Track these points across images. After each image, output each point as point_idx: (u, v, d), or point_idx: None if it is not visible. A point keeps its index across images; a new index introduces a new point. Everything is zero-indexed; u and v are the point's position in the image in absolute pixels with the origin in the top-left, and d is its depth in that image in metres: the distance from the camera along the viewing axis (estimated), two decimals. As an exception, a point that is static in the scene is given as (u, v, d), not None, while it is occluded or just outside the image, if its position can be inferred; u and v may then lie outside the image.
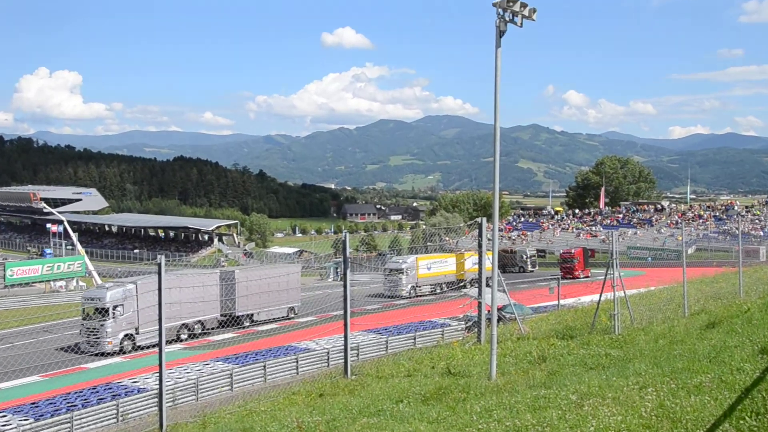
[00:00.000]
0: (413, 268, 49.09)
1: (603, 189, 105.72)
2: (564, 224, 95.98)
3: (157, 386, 12.68)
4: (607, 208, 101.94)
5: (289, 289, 36.68)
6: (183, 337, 30.81)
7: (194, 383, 18.00)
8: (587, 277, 57.05)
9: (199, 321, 31.94)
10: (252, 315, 34.96)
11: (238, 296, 32.85)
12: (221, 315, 32.98)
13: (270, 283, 34.72)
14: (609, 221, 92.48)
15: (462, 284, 47.82)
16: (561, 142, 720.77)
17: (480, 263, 16.31)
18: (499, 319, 21.91)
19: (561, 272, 55.44)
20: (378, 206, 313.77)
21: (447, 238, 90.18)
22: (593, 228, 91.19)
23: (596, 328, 14.86)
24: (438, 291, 49.13)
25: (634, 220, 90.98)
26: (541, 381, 10.17)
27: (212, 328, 32.22)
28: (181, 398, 17.30)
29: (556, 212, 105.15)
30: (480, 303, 16.56)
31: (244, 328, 32.79)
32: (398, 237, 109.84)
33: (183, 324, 30.99)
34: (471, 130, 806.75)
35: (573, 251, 61.31)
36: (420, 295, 47.96)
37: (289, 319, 36.23)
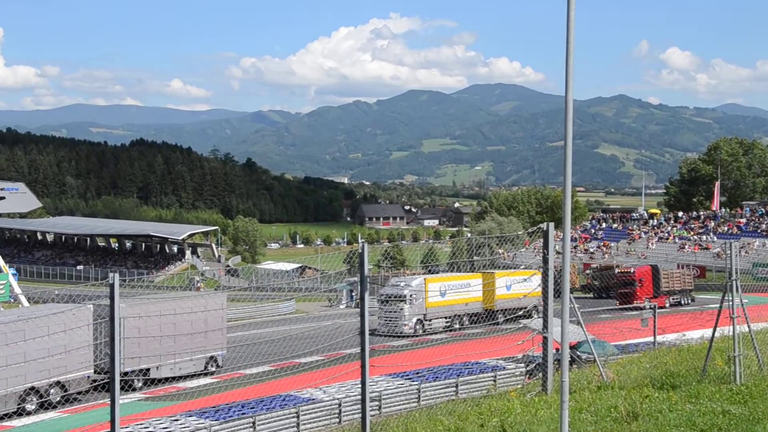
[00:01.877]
0: (420, 294, 47.48)
1: (718, 184, 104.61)
2: (662, 232, 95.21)
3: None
4: (723, 210, 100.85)
5: (208, 330, 34.04)
6: (29, 407, 27.75)
7: (159, 446, 18.12)
8: (662, 307, 55.72)
9: (58, 382, 28.71)
10: (147, 371, 31.87)
11: (123, 343, 30.59)
12: (97, 371, 29.93)
13: (177, 322, 31.52)
14: (726, 228, 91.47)
15: (494, 313, 47.50)
16: (658, 119, 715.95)
17: (546, 284, 16.20)
18: (573, 361, 21.74)
19: (617, 299, 54.92)
20: (407, 207, 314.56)
21: (501, 251, 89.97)
22: (703, 237, 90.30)
23: (709, 375, 14.67)
24: (457, 326, 47.49)
25: (763, 226, 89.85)
26: (632, 446, 10.05)
27: (81, 392, 29.41)
28: (142, 465, 17.44)
29: (652, 216, 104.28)
30: (546, 339, 16.45)
31: (134, 390, 29.99)
32: (434, 249, 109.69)
33: (31, 388, 27.87)
34: (533, 104, 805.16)
35: (634, 270, 60.05)
36: (429, 333, 46.48)
37: (209, 374, 34.31)
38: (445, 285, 48.77)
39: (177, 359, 32.59)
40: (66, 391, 28.97)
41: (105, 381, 27.89)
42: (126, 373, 29.57)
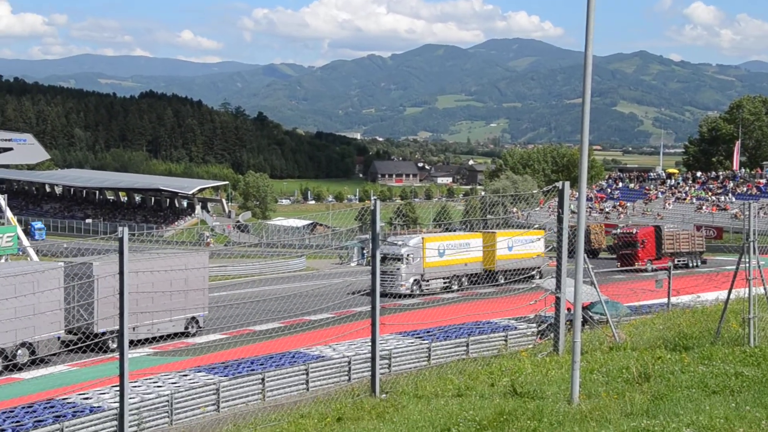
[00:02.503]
0: (418, 254, 46.42)
1: (738, 143, 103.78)
2: (680, 192, 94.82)
3: (117, 405, 12.86)
4: (742, 170, 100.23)
5: (188, 290, 33.41)
6: None
7: (167, 401, 18.33)
8: (663, 269, 54.81)
9: (24, 343, 28.15)
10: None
11: (98, 303, 28.41)
12: (68, 331, 29.76)
13: (156, 282, 30.15)
14: (745, 189, 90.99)
15: (494, 274, 47.22)
16: (680, 76, 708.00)
17: (560, 244, 16.18)
18: (585, 321, 21.81)
19: (618, 260, 54.68)
20: (420, 164, 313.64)
21: (515, 210, 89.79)
22: (722, 198, 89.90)
23: (723, 338, 14.71)
24: (455, 287, 46.94)
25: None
26: (643, 408, 10.11)
27: (51, 355, 28.93)
28: (150, 421, 17.65)
29: (669, 175, 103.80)
30: (558, 299, 16.49)
31: (107, 352, 28.66)
32: (447, 207, 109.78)
33: None
34: (551, 60, 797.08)
35: (636, 231, 59.60)
36: (426, 294, 46.00)
37: (190, 335, 33.94)
38: (444, 245, 48.08)
39: (155, 319, 31.33)
40: (34, 353, 28.36)
41: (80, 342, 27.87)
42: (100, 334, 28.98)
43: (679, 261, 58.25)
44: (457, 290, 46.52)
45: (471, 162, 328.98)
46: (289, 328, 32.15)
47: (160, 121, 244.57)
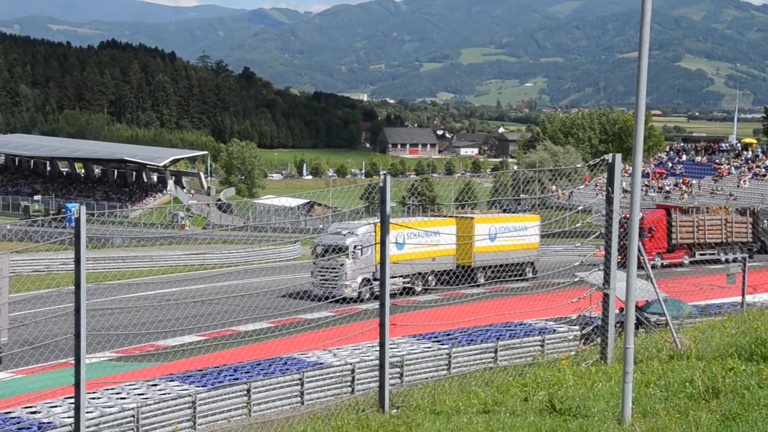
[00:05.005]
0: (368, 245, 43.79)
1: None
2: (758, 167, 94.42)
3: (71, 421, 12.87)
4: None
5: None
6: None
7: (132, 416, 18.37)
8: (677, 264, 53.14)
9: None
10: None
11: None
12: None
13: None
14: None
15: (472, 271, 45.86)
16: (761, 24, 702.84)
17: (609, 230, 16.13)
18: (640, 324, 21.76)
19: (618, 253, 53.26)
20: (440, 132, 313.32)
21: (554, 188, 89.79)
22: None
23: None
24: (418, 288, 45.02)
25: None
26: (711, 430, 10.08)
27: None
28: (113, 439, 17.74)
29: (746, 146, 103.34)
30: (607, 296, 16.45)
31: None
32: (472, 184, 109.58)
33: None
34: (600, 5, 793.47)
35: (642, 216, 57.87)
36: (377, 295, 45.28)
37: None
38: (404, 234, 43.60)
39: None
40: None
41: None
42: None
43: (702, 254, 56.13)
44: (421, 291, 44.79)
45: (501, 130, 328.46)
46: (280, 329, 32.22)
47: (125, 78, 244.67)
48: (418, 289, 45.13)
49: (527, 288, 39.82)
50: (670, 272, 45.01)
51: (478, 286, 42.74)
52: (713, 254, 57.26)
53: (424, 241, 44.92)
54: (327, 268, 44.06)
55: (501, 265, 43.43)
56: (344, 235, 44.58)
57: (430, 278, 46.03)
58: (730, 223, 59.31)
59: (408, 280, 45.09)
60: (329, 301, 40.00)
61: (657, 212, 58.47)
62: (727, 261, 56.12)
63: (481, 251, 46.39)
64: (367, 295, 42.93)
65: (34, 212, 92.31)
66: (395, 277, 44.11)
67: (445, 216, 49.92)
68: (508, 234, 46.64)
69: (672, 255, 53.54)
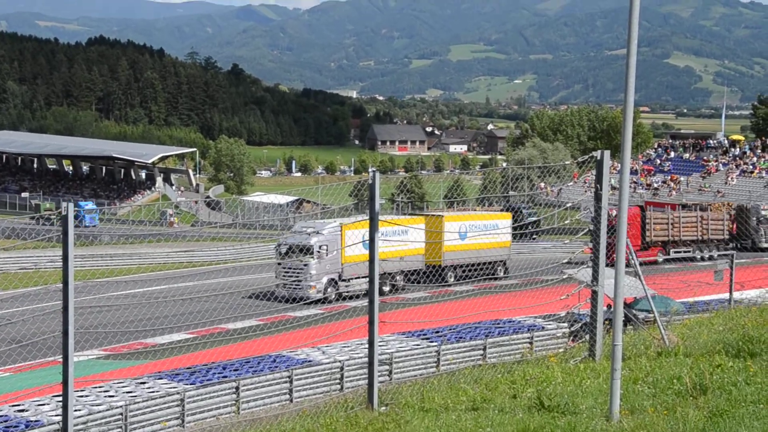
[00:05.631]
0: (334, 245, 43.24)
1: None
2: (746, 164, 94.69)
3: (59, 419, 12.85)
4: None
5: None
6: None
7: (121, 414, 18.33)
8: (651, 262, 51.86)
9: None
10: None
11: None
12: None
13: None
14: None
15: (441, 270, 45.42)
16: (748, 21, 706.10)
17: (597, 227, 16.15)
18: (628, 321, 21.79)
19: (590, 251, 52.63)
20: (429, 129, 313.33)
21: (543, 185, 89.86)
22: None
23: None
24: (386, 289, 43.94)
25: None
26: (698, 426, 10.11)
27: None
28: (101, 438, 17.71)
29: (734, 143, 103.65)
30: (595, 293, 16.48)
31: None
32: (461, 180, 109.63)
33: None
34: (588, 2, 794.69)
35: (614, 213, 57.37)
36: (344, 296, 42.94)
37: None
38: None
39: None
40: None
41: None
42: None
43: (677, 251, 55.83)
44: (390, 293, 43.86)
45: (490, 126, 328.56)
46: (269, 327, 32.20)
47: (113, 74, 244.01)
48: (386, 289, 44.02)
49: (516, 285, 39.95)
50: (658, 269, 45.12)
51: (461, 284, 42.26)
52: (688, 252, 56.84)
53: (393, 239, 43.30)
54: (291, 269, 43.17)
55: (471, 265, 43.32)
56: (309, 234, 43.72)
57: (398, 278, 45.14)
58: (706, 221, 58.61)
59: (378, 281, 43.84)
60: (294, 303, 39.11)
61: (630, 209, 57.97)
62: (702, 259, 56.23)
63: (451, 250, 45.88)
64: (333, 296, 42.49)
65: (45, 210, 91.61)
66: (362, 277, 42.45)
67: (414, 214, 49.62)
68: (479, 232, 46.45)
69: (646, 253, 52.10)
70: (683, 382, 12.29)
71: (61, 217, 11.32)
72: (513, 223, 50.36)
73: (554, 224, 47.17)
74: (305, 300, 39.85)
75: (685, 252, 56.34)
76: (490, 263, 45.79)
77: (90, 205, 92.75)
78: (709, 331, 18.44)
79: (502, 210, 61.72)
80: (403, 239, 43.18)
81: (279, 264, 43.81)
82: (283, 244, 44.64)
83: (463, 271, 44.33)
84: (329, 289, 42.80)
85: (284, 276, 43.32)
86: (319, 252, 42.62)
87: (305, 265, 42.37)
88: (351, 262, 43.11)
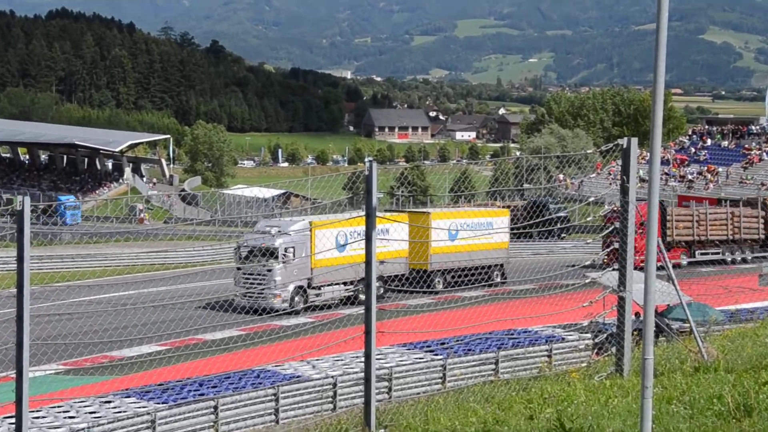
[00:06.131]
0: (302, 247, 42.69)
1: None
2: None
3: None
4: None
5: None
6: None
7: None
8: (675, 266, 51.41)
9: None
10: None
11: None
12: None
13: None
14: None
15: (428, 276, 45.19)
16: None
17: (624, 225, 16.07)
18: (661, 332, 21.73)
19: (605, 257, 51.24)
20: (433, 114, 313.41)
21: (561, 177, 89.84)
22: None
23: None
24: (364, 297, 44.18)
25: None
26: (741, 452, 10.02)
27: None
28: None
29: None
30: (623, 300, 16.40)
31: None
32: (469, 171, 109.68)
33: None
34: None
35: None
36: (311, 307, 42.23)
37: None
38: (346, 232, 42.28)
39: None
40: None
41: None
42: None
43: (704, 253, 55.34)
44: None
45: (502, 111, 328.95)
46: (251, 337, 32.14)
47: (76, 51, 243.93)
48: (363, 297, 43.21)
49: (532, 291, 39.91)
50: (694, 273, 45.06)
51: (467, 289, 41.72)
52: (717, 253, 55.99)
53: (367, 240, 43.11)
54: (252, 275, 42.36)
55: (463, 269, 43.16)
56: (273, 234, 42.43)
57: (379, 284, 42.70)
58: (738, 218, 57.51)
59: (350, 287, 43.11)
60: (256, 314, 38.71)
61: (640, 206, 57.35)
62: (733, 262, 55.80)
63: (440, 252, 44.49)
64: (301, 306, 41.75)
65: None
66: (336, 284, 43.27)
67: (396, 210, 48.83)
68: (473, 231, 45.91)
69: (671, 253, 50.48)
70: (724, 401, 12.20)
71: (17, 213, 11.20)
72: (537, 219, 49.60)
73: (575, 221, 46.79)
74: (269, 311, 39.26)
75: (713, 254, 55.70)
76: (484, 267, 45.54)
77: (71, 200, 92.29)
78: (754, 343, 18.38)
79: (527, 205, 61.57)
80: (383, 239, 43.20)
81: (239, 269, 42.73)
82: (243, 246, 43.81)
83: (453, 277, 44.06)
84: (297, 299, 42.11)
85: (245, 283, 42.50)
86: (285, 255, 41.88)
87: (269, 270, 41.69)
88: (322, 267, 42.62)
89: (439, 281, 44.77)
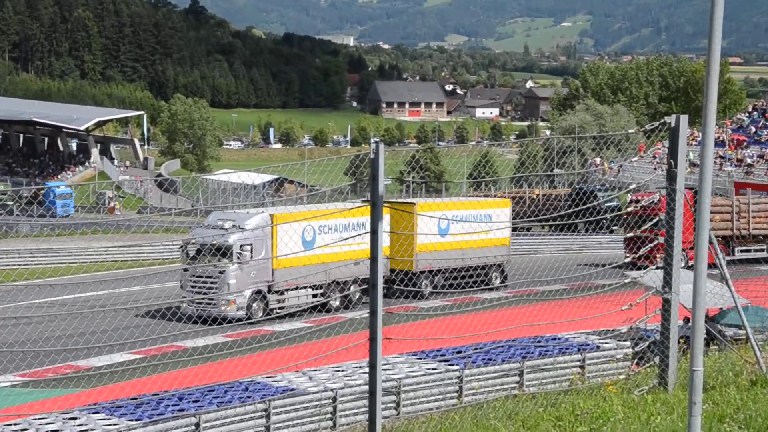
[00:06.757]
0: (261, 244, 42.13)
1: None
2: None
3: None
4: None
5: None
6: None
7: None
8: (710, 265, 50.50)
9: None
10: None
11: None
12: None
13: None
14: None
15: (414, 277, 44.71)
16: None
17: (671, 217, 16.16)
18: (711, 339, 21.81)
19: (625, 248, 50.47)
20: (449, 87, 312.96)
21: (598, 160, 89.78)
22: None
23: None
24: (336, 303, 42.99)
25: None
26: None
27: None
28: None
29: None
30: (668, 303, 16.48)
31: None
32: (490, 155, 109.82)
33: None
34: None
35: (658, 199, 55.07)
36: (277, 315, 41.13)
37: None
38: (314, 227, 42.46)
39: None
40: None
41: None
42: None
43: (745, 249, 54.65)
44: (338, 308, 42.66)
45: (530, 84, 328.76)
46: (239, 344, 32.30)
47: (32, 13, 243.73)
48: (335, 303, 42.85)
49: (562, 292, 39.97)
50: (750, 272, 45.05)
51: (423, 296, 42.07)
52: (760, 250, 55.12)
53: (343, 237, 42.47)
54: (202, 277, 41.62)
55: (456, 270, 43.07)
56: (227, 229, 41.50)
57: (351, 288, 43.46)
58: None
59: (319, 292, 42.91)
60: (206, 324, 37.77)
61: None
62: None
63: (427, 250, 44.32)
64: (260, 314, 40.93)
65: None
66: (302, 287, 42.58)
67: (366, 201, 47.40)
68: (467, 225, 44.63)
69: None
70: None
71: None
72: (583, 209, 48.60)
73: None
74: (220, 320, 38.19)
75: (756, 251, 54.92)
76: (481, 267, 45.23)
77: (62, 187, 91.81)
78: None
79: (572, 193, 61.27)
80: (360, 235, 42.05)
81: (186, 270, 41.75)
82: (191, 244, 42.50)
83: (445, 279, 44.03)
84: (255, 306, 41.36)
85: (193, 287, 41.79)
86: (240, 254, 41.02)
87: (221, 272, 40.83)
88: (286, 268, 42.03)
89: (426, 284, 44.15)
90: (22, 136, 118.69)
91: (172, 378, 26.31)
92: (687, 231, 47.75)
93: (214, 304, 40.07)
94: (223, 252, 40.72)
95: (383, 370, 13.96)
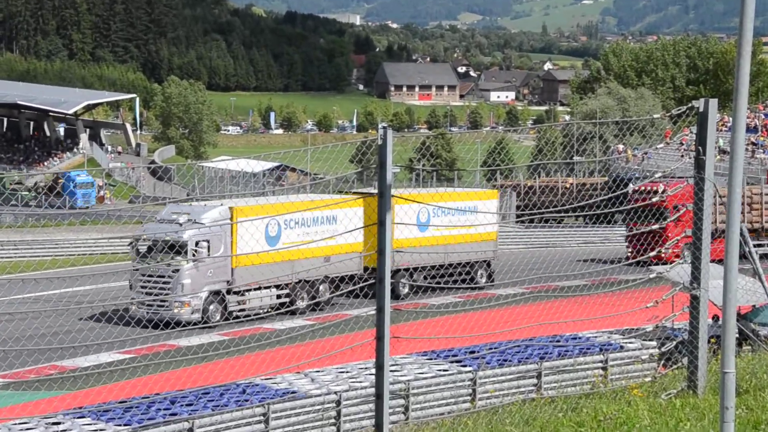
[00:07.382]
0: (219, 240, 41.27)
1: None
2: None
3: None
4: None
5: None
6: None
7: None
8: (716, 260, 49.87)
9: None
10: None
11: None
12: None
13: None
14: None
15: (390, 276, 44.19)
16: None
17: (699, 207, 16.06)
18: (744, 339, 21.73)
19: (627, 242, 49.82)
20: (462, 69, 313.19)
21: (621, 147, 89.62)
22: None
23: None
24: (302, 304, 42.32)
25: None
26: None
27: None
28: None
29: None
30: (697, 300, 16.39)
31: None
32: (505, 141, 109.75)
33: None
34: None
35: (663, 189, 53.56)
36: (237, 317, 40.62)
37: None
38: (279, 221, 41.82)
39: None
40: None
41: None
42: None
43: (760, 244, 51.84)
44: (304, 308, 42.22)
45: (548, 66, 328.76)
46: (236, 343, 32.28)
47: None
48: (302, 304, 42.28)
49: (583, 288, 39.82)
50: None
51: (399, 297, 41.84)
52: None
53: (312, 231, 42.60)
54: (153, 277, 40.75)
55: (437, 267, 42.87)
56: (181, 224, 40.91)
57: (321, 288, 43.29)
58: None
59: (284, 292, 42.49)
60: (159, 329, 34.38)
61: (689, 186, 56.02)
62: None
63: (405, 246, 42.66)
64: (217, 317, 40.31)
65: (14, 184, 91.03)
66: (265, 287, 41.89)
67: (346, 192, 46.52)
68: (450, 219, 44.67)
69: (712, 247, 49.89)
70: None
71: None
72: (616, 198, 47.73)
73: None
74: (173, 324, 37.58)
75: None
76: (465, 264, 45.36)
77: (83, 175, 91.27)
78: None
79: (607, 182, 60.81)
80: (330, 230, 41.86)
81: (136, 270, 40.88)
82: (141, 240, 41.34)
83: (425, 277, 43.32)
84: (212, 308, 40.60)
85: (143, 287, 41.16)
86: (196, 251, 40.21)
87: (174, 271, 40.28)
88: (246, 267, 41.56)
89: (403, 283, 43.59)
90: (6, 120, 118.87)
91: (164, 379, 26.27)
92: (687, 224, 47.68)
93: (167, 307, 39.96)
94: (176, 249, 40.32)
95: (391, 371, 13.86)
